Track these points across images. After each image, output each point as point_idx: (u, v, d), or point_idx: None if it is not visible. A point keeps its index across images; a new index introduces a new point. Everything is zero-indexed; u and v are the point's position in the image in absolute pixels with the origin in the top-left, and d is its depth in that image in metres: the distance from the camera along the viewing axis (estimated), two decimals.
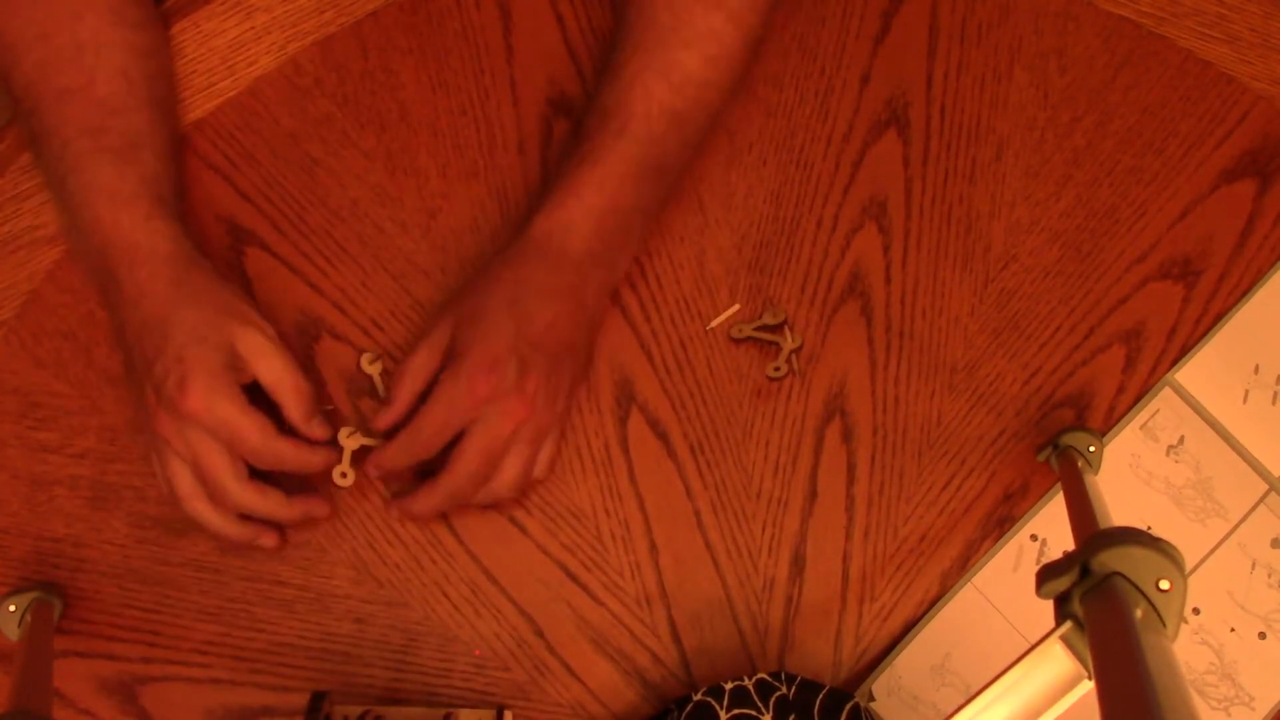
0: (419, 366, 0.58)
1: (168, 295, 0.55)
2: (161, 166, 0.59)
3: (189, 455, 0.54)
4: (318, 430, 0.58)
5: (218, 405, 0.53)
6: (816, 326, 0.65)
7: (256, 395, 0.56)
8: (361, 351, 0.63)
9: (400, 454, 0.57)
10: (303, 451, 0.56)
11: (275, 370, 0.56)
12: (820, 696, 0.57)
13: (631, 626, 0.62)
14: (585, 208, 0.58)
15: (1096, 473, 0.60)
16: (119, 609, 0.61)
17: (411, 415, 0.57)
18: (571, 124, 0.67)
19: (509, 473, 0.58)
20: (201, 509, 0.56)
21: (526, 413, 0.56)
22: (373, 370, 0.63)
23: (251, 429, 0.54)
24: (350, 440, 0.59)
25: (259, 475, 0.56)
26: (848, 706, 0.57)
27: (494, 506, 0.62)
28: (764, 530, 0.63)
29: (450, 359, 0.56)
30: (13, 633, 0.56)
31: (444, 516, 0.62)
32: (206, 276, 0.57)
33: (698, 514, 0.63)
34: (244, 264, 0.65)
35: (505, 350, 0.55)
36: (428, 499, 0.58)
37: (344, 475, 0.59)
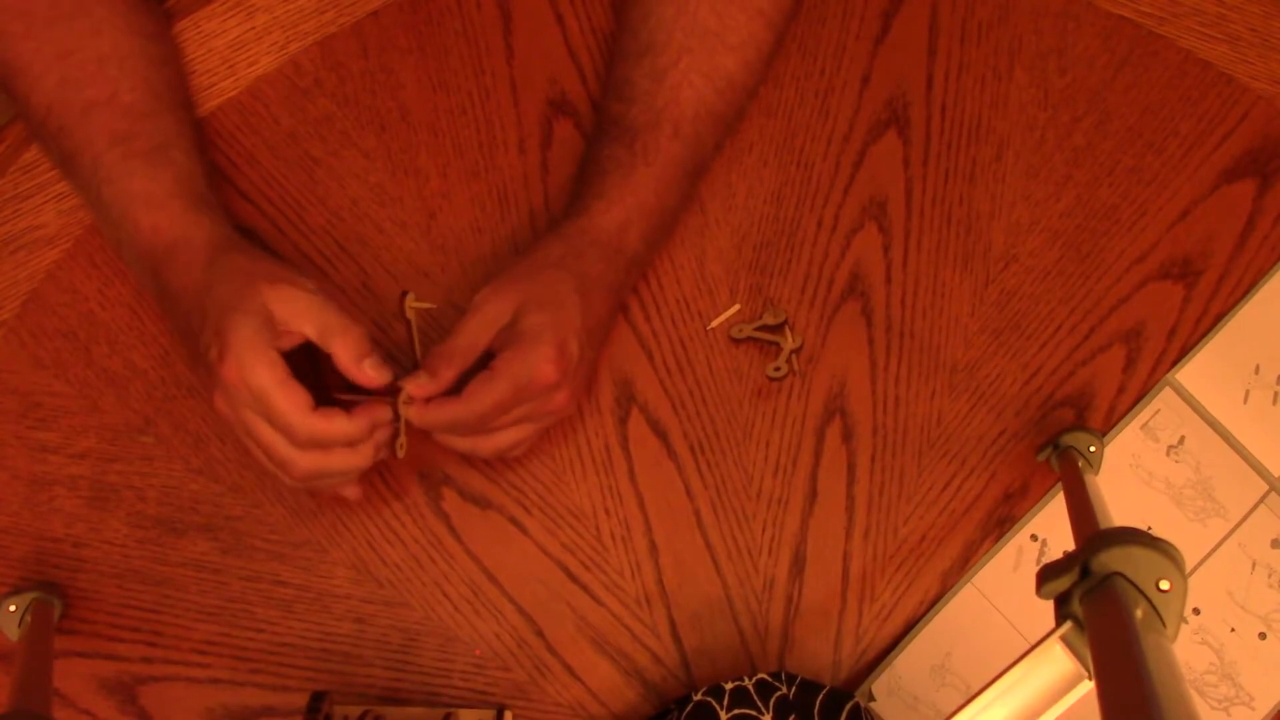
0: (469, 345, 0.55)
1: (204, 279, 0.55)
2: (193, 163, 0.60)
3: (244, 431, 0.53)
4: (370, 373, 0.53)
5: (252, 374, 0.50)
6: (817, 326, 0.65)
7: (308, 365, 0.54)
8: (405, 293, 0.58)
9: (446, 423, 0.55)
10: (339, 422, 0.52)
11: (315, 319, 0.52)
12: (820, 697, 0.57)
13: (631, 626, 0.62)
14: (641, 208, 0.59)
15: (1097, 473, 0.60)
16: (119, 609, 0.61)
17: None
18: (575, 122, 0.67)
19: (503, 442, 0.57)
20: (305, 464, 0.53)
21: (568, 400, 0.57)
22: (411, 315, 0.58)
23: (284, 401, 0.50)
24: (407, 408, 0.55)
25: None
26: (848, 706, 0.57)
27: (491, 504, 0.63)
28: (764, 530, 0.63)
29: (515, 338, 0.54)
30: (13, 633, 0.56)
31: (445, 516, 0.62)
32: (242, 253, 0.56)
33: (698, 514, 0.63)
34: None
35: (573, 339, 0.55)
36: (436, 415, 0.54)
37: (401, 446, 0.55)
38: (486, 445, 0.57)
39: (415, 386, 0.54)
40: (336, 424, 0.52)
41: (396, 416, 0.55)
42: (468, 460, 0.63)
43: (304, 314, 0.52)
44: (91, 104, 0.58)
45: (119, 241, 0.59)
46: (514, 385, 0.53)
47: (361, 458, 0.54)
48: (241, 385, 0.51)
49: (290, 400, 0.51)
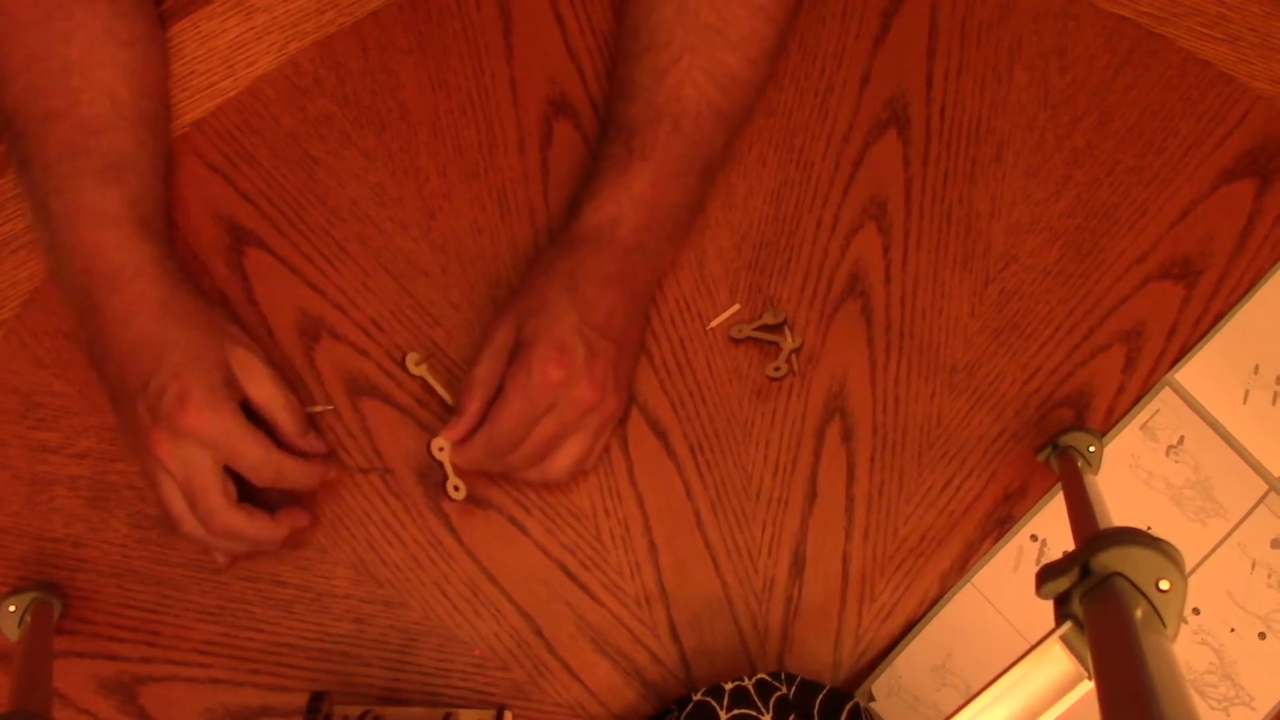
0: (486, 373, 0.57)
1: (157, 315, 0.55)
2: (146, 186, 0.59)
3: (181, 474, 0.54)
4: (314, 443, 0.58)
5: (219, 420, 0.53)
6: (816, 326, 0.65)
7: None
8: (404, 353, 0.63)
9: (480, 453, 0.57)
10: (301, 465, 0.57)
11: (267, 389, 0.56)
12: (820, 696, 0.57)
13: (631, 626, 0.62)
14: (636, 200, 0.59)
15: (1096, 473, 0.60)
16: (119, 609, 0.61)
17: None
18: (575, 122, 0.67)
19: (567, 459, 0.58)
20: (196, 528, 0.56)
21: (596, 398, 0.56)
22: (420, 371, 0.63)
23: (254, 443, 0.54)
24: (443, 454, 0.59)
25: (245, 497, 0.56)
26: (848, 707, 0.57)
27: (491, 504, 0.63)
28: (764, 530, 0.63)
29: (517, 352, 0.56)
30: (13, 633, 0.56)
31: (445, 516, 0.62)
32: (193, 297, 0.58)
33: (697, 514, 0.63)
34: (244, 264, 0.65)
35: (571, 335, 0.55)
36: (471, 449, 0.57)
37: (456, 489, 0.59)
38: (552, 468, 0.58)
39: (449, 431, 0.57)
40: (300, 464, 0.56)
41: (439, 464, 0.59)
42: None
43: (256, 382, 0.56)
44: (50, 114, 0.58)
45: (55, 252, 0.58)
46: (522, 394, 0.55)
47: (279, 530, 0.58)
48: (205, 428, 0.53)
49: (257, 439, 0.54)
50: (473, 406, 0.57)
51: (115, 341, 0.56)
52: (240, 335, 0.58)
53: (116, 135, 0.59)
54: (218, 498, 0.54)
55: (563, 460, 0.58)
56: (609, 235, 0.59)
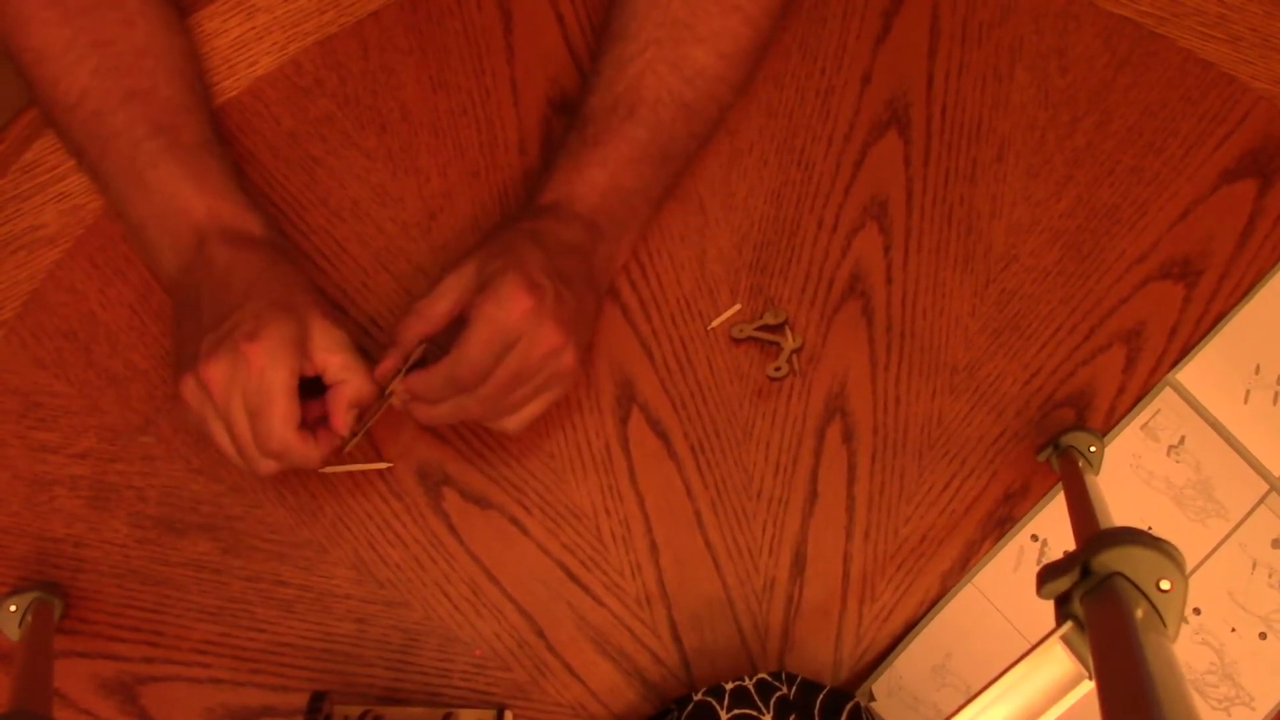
0: (430, 305, 0.56)
1: (260, 269, 0.56)
2: (230, 161, 0.61)
3: (223, 406, 0.53)
4: (347, 422, 0.56)
5: (274, 369, 0.52)
6: (817, 326, 0.65)
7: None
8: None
9: (441, 384, 0.55)
10: (305, 450, 0.55)
11: (347, 364, 0.55)
12: (821, 697, 0.57)
13: (632, 626, 0.62)
14: (588, 184, 0.59)
15: (1097, 473, 0.60)
16: (119, 609, 0.61)
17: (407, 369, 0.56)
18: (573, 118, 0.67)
19: (521, 410, 0.57)
20: (232, 448, 0.55)
21: (559, 341, 0.54)
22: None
23: (282, 413, 0.53)
24: (387, 399, 0.57)
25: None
26: (848, 707, 0.57)
27: (491, 504, 0.63)
28: (764, 530, 0.63)
29: (484, 286, 0.54)
30: (13, 633, 0.56)
31: (445, 516, 0.62)
32: (299, 271, 0.59)
33: (698, 514, 0.63)
34: None
35: (539, 273, 0.54)
36: (426, 382, 0.56)
37: (350, 445, 0.58)
38: (506, 416, 0.57)
39: (385, 361, 0.56)
40: (307, 448, 0.55)
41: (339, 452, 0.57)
42: (468, 459, 0.63)
43: (336, 354, 0.55)
44: (131, 93, 0.59)
45: (155, 225, 0.58)
46: (490, 322, 0.53)
47: (321, 450, 0.56)
48: (258, 369, 0.52)
49: (288, 412, 0.53)
50: (407, 335, 0.56)
51: (209, 287, 0.56)
52: (334, 313, 0.57)
53: (198, 114, 0.61)
54: (248, 444, 0.54)
55: (521, 416, 0.57)
56: (567, 209, 0.59)
